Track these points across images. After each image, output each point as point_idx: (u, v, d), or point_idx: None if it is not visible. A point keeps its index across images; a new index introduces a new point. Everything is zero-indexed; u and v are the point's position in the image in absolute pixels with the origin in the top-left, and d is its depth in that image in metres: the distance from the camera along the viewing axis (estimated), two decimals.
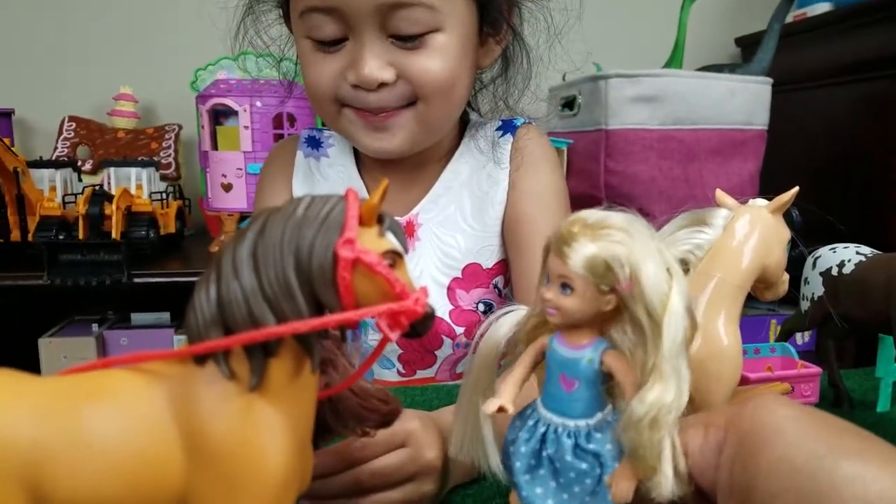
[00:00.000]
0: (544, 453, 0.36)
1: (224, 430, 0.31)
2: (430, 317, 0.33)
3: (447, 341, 0.84)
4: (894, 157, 1.46)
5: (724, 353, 0.48)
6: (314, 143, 0.90)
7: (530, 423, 0.36)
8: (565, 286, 0.34)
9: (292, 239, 0.31)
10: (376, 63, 0.71)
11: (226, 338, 0.31)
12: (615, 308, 0.34)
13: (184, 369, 0.32)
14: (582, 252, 0.33)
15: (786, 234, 0.52)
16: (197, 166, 1.61)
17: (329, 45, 0.73)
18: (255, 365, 0.31)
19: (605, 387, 0.36)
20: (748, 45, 1.87)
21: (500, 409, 0.35)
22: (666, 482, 0.32)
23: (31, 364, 1.44)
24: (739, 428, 0.31)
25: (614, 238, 0.33)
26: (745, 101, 1.47)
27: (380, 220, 0.33)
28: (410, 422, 0.50)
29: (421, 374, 0.88)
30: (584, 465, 0.35)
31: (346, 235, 0.31)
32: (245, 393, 0.31)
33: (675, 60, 1.57)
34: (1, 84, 1.78)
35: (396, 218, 0.84)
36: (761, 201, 0.52)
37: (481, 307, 0.85)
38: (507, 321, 0.41)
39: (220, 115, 1.45)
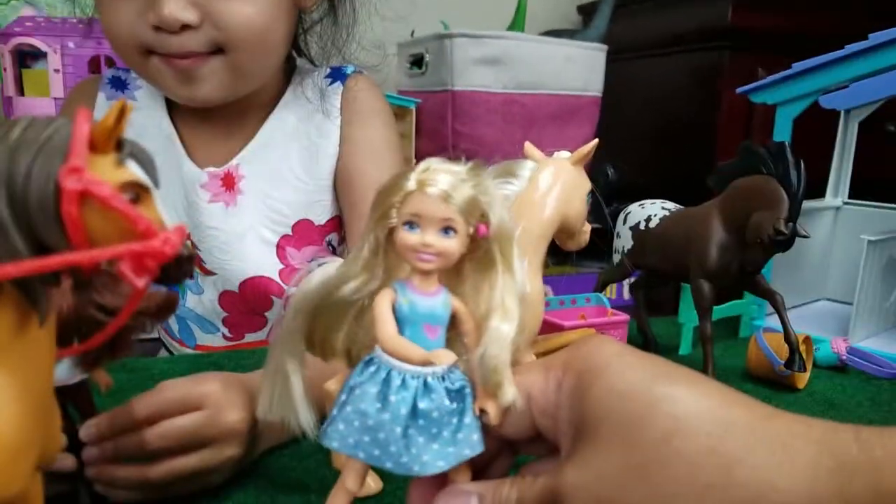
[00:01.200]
0: (418, 409, 0.34)
1: None
2: (185, 260, 0.29)
3: (277, 302, 0.81)
4: (715, 123, 1.56)
5: (526, 299, 0.48)
6: (119, 85, 0.82)
7: (396, 382, 0.34)
8: (448, 229, 0.33)
9: (3, 167, 0.26)
10: (177, 3, 0.65)
11: None
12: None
13: None
14: (464, 194, 0.33)
15: (586, 185, 0.53)
16: (0, 113, 1.45)
17: None
18: None
19: None
20: (589, 13, 1.92)
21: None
22: (510, 391, 0.34)
23: None
24: (575, 367, 0.34)
25: (481, 183, 0.34)
26: (582, 68, 1.51)
27: (119, 147, 0.29)
28: (208, 384, 0.47)
29: (250, 337, 0.84)
30: (454, 405, 0.34)
31: (71, 163, 0.26)
32: None
33: (517, 24, 1.59)
34: None
35: (213, 168, 0.79)
36: (565, 153, 0.53)
37: (314, 266, 0.81)
38: (319, 273, 0.39)
39: (26, 57, 1.31)
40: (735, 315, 0.85)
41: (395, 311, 0.35)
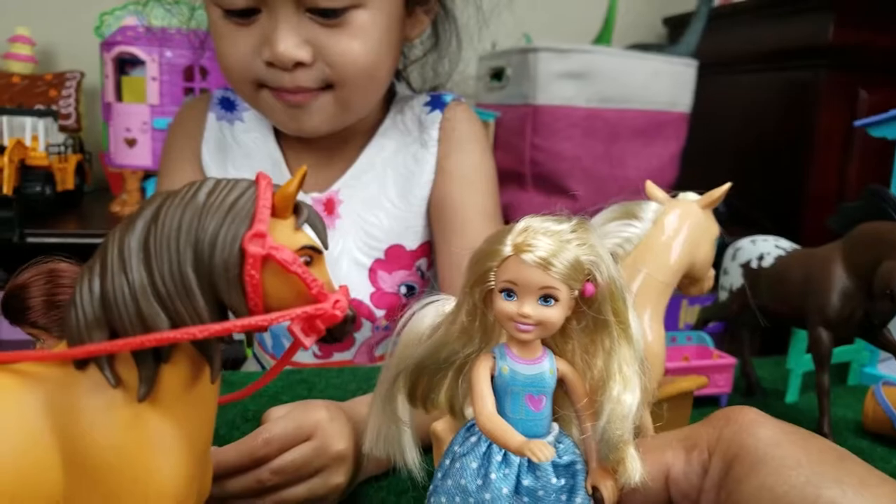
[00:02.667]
0: (521, 487, 0.32)
1: (108, 443, 0.27)
2: (349, 320, 0.30)
3: (367, 324, 0.81)
4: (810, 146, 1.50)
5: (650, 350, 0.47)
6: (228, 105, 0.84)
7: (497, 458, 0.32)
8: (548, 298, 0.31)
9: (192, 228, 0.27)
10: (292, 40, 0.65)
11: (110, 342, 0.27)
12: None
13: (64, 372, 0.28)
14: (566, 258, 0.30)
15: (715, 230, 0.51)
16: (99, 118, 1.50)
17: (240, 17, 0.67)
18: (144, 372, 0.27)
19: None
20: (676, 26, 1.88)
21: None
22: (636, 468, 0.31)
23: None
24: (724, 452, 0.31)
25: (585, 241, 0.31)
26: (670, 83, 1.47)
27: (296, 210, 0.29)
28: (317, 412, 0.47)
29: (338, 356, 0.85)
30: (562, 482, 0.32)
31: (256, 228, 0.27)
32: (133, 403, 0.27)
33: (604, 37, 1.56)
34: None
35: (316, 194, 0.80)
36: (692, 195, 0.51)
37: (403, 290, 0.82)
38: (430, 312, 0.38)
39: (126, 65, 1.35)
40: (844, 361, 0.81)
41: (494, 378, 0.33)
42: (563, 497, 0.32)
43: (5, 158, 1.20)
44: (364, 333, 0.82)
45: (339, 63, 0.68)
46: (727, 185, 0.50)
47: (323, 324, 0.28)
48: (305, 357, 0.85)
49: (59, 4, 1.67)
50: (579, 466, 0.32)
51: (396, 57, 0.76)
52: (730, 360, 0.70)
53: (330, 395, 0.68)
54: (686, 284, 0.51)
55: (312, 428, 0.46)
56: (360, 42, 0.68)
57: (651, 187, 0.51)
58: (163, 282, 0.27)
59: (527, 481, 0.32)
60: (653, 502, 0.33)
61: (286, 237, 0.28)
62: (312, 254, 0.29)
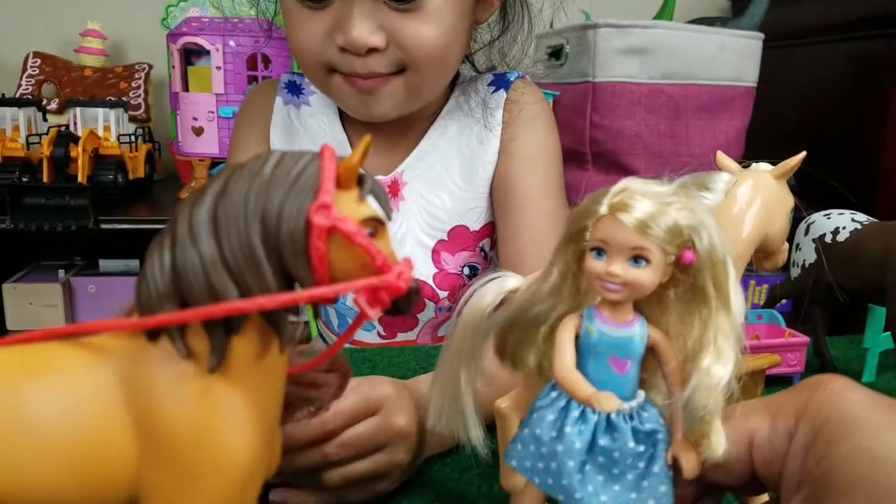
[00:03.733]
0: (597, 446, 0.32)
1: (179, 415, 0.28)
2: (414, 293, 0.29)
3: (430, 305, 0.81)
4: (883, 120, 1.43)
5: None
6: (294, 90, 0.85)
7: (575, 414, 0.32)
8: (638, 258, 0.30)
9: (259, 201, 0.27)
10: (366, 26, 0.66)
11: (181, 311, 0.27)
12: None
13: (135, 345, 0.29)
14: (666, 221, 0.30)
15: (789, 201, 0.49)
16: (167, 108, 1.54)
17: (314, 1, 0.68)
18: (215, 343, 0.28)
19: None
20: (739, 0, 1.82)
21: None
22: (721, 443, 0.31)
23: None
24: (813, 417, 0.30)
25: (685, 205, 0.31)
26: (735, 57, 1.43)
27: (360, 181, 0.29)
28: (383, 387, 0.47)
29: (402, 336, 0.86)
30: (641, 448, 0.32)
31: (321, 199, 0.27)
32: (204, 374, 0.28)
33: (665, 12, 1.52)
34: None
35: (381, 177, 0.81)
36: (765, 165, 0.49)
37: (466, 270, 0.82)
38: (492, 289, 0.38)
39: (191, 55, 1.38)
40: None
41: (579, 338, 0.33)
42: (641, 464, 0.32)
43: (79, 148, 1.24)
44: (427, 314, 0.83)
45: (412, 48, 0.68)
46: (802, 155, 0.48)
47: (387, 295, 0.28)
48: (369, 337, 0.86)
49: None
50: (661, 436, 0.32)
51: (467, 41, 0.76)
52: (802, 338, 0.68)
53: (391, 373, 0.69)
54: (759, 258, 0.49)
55: (379, 403, 0.46)
56: (433, 27, 0.68)
57: (722, 157, 0.49)
58: (232, 253, 0.27)
59: (603, 441, 0.31)
60: (735, 468, 0.32)
61: (350, 208, 0.28)
62: (376, 225, 0.29)
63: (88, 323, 0.29)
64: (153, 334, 0.28)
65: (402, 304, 0.29)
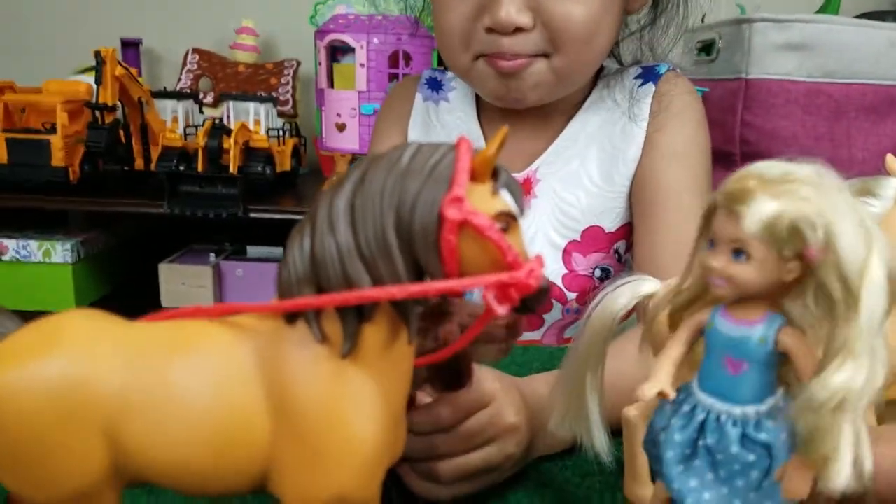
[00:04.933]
0: (701, 443, 0.31)
1: (312, 396, 0.29)
2: (544, 291, 0.29)
3: (557, 306, 0.79)
4: None
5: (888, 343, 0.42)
6: (435, 86, 0.86)
7: (685, 408, 0.32)
8: (739, 252, 0.28)
9: (394, 191, 0.28)
10: (514, 5, 0.65)
11: (317, 296, 0.28)
12: (796, 277, 0.29)
13: (274, 326, 0.30)
14: (762, 211, 0.27)
15: None
16: (313, 104, 1.60)
17: None
18: (348, 329, 0.28)
19: (778, 368, 0.31)
20: None
21: (661, 395, 0.31)
22: (841, 472, 0.27)
23: (151, 286, 1.51)
24: None
25: (801, 194, 0.27)
26: None
27: (494, 175, 0.29)
28: (493, 381, 0.46)
29: (527, 336, 0.84)
30: (751, 457, 0.30)
31: (454, 192, 0.27)
32: (336, 358, 0.29)
33: (831, 7, 1.42)
34: (130, 14, 1.83)
35: (515, 174, 0.80)
36: None
37: (598, 272, 0.79)
38: (625, 292, 0.37)
39: (337, 52, 1.43)
40: None
41: (705, 333, 0.32)
42: (755, 473, 0.30)
43: (231, 140, 1.32)
44: (554, 315, 0.81)
45: (559, 27, 0.67)
46: None
47: (517, 293, 0.28)
48: None
49: None
50: (776, 453, 0.30)
51: (617, 29, 0.74)
52: None
53: (513, 372, 0.68)
54: None
55: (490, 397, 0.46)
56: (582, 7, 0.67)
57: (892, 161, 0.45)
58: (367, 243, 0.28)
59: (709, 440, 0.31)
60: (890, 494, 0.30)
61: (483, 202, 0.28)
62: (509, 220, 0.28)
63: (234, 304, 0.31)
64: (291, 317, 0.29)
65: (532, 302, 0.29)
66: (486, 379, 0.46)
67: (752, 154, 1.32)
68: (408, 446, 0.44)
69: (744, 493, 0.30)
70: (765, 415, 0.30)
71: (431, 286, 0.27)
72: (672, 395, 0.31)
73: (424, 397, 0.44)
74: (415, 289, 0.27)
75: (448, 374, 0.41)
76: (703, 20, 1.50)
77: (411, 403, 0.38)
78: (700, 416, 0.31)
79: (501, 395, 0.46)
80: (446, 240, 0.27)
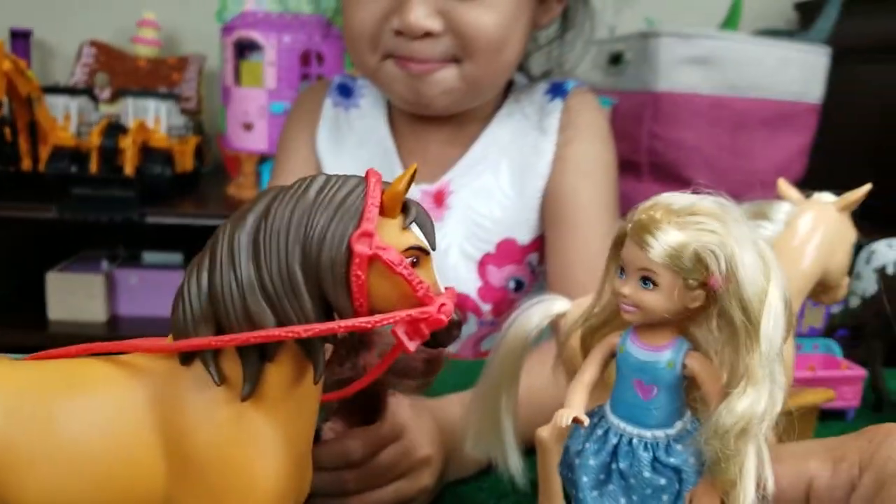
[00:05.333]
0: (615, 466, 0.31)
1: (209, 442, 0.27)
2: (455, 325, 0.28)
3: (473, 318, 0.79)
4: None
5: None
6: (345, 92, 0.84)
7: (599, 432, 0.32)
8: (647, 280, 0.29)
9: (301, 225, 0.26)
10: (424, 10, 0.65)
11: (215, 336, 0.26)
12: (701, 304, 0.30)
13: (170, 366, 0.28)
14: (668, 241, 0.28)
15: (852, 235, 0.47)
16: (218, 101, 1.55)
17: None
18: (249, 370, 0.27)
19: (686, 393, 0.32)
20: (808, 12, 1.76)
21: (576, 421, 0.31)
22: (745, 497, 0.28)
23: (38, 297, 1.42)
24: (879, 469, 0.29)
25: (706, 226, 0.29)
26: (801, 72, 1.38)
27: (404, 209, 0.28)
28: (405, 411, 0.45)
29: None
30: (662, 481, 0.30)
31: (363, 227, 0.26)
32: (236, 401, 0.27)
33: (731, 23, 1.48)
34: (20, 2, 1.71)
35: (426, 186, 0.79)
36: (828, 196, 0.47)
37: (512, 284, 0.80)
38: (537, 312, 0.37)
39: (245, 49, 1.38)
40: None
41: (616, 356, 0.32)
42: (665, 497, 0.30)
43: (129, 140, 1.25)
44: (469, 328, 0.81)
45: (468, 34, 0.67)
46: (867, 187, 0.46)
47: (427, 328, 0.27)
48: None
49: None
50: (686, 475, 0.30)
51: (525, 41, 0.74)
52: (859, 371, 0.65)
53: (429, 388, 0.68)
54: (818, 292, 0.47)
55: (401, 429, 0.44)
56: (492, 16, 0.67)
57: (784, 185, 0.47)
58: (270, 279, 0.26)
59: (621, 464, 0.31)
60: None
61: (393, 237, 0.27)
62: (419, 254, 0.27)
63: (123, 342, 0.29)
64: (187, 357, 0.27)
65: (443, 337, 0.28)
66: (399, 409, 0.45)
67: (660, 164, 1.37)
68: (316, 482, 0.42)
69: None
70: (674, 438, 0.31)
71: (339, 324, 0.26)
72: (586, 421, 0.31)
73: (329, 432, 0.42)
74: (322, 327, 0.26)
75: (361, 407, 0.39)
76: (611, 33, 1.54)
77: (317, 437, 0.36)
78: (613, 440, 0.31)
79: (413, 425, 0.45)
80: (356, 275, 0.26)
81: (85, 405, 0.27)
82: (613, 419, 0.32)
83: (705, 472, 0.30)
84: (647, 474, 0.30)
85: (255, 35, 1.33)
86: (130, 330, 1.37)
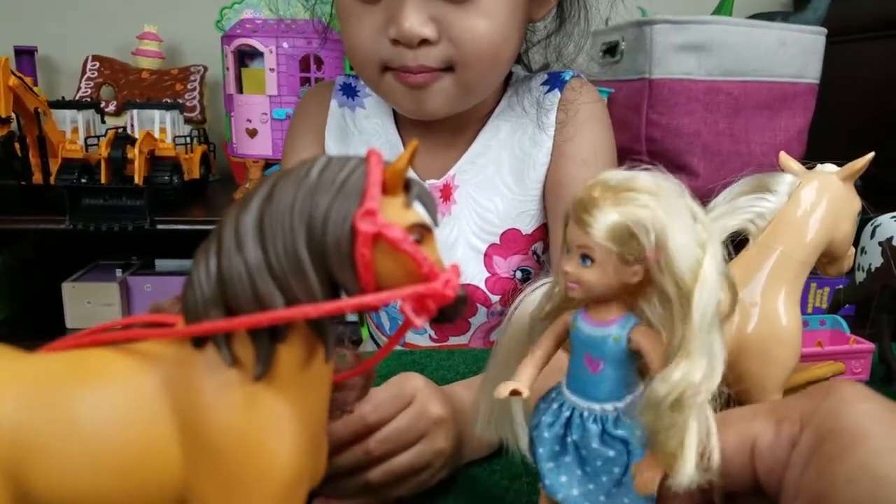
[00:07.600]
0: (569, 439, 0.32)
1: (224, 423, 0.27)
2: (461, 301, 0.29)
3: (482, 309, 0.80)
4: None
5: (783, 334, 0.44)
6: (350, 92, 0.85)
7: (554, 406, 0.33)
8: (585, 257, 0.30)
9: (304, 207, 0.27)
10: (418, 17, 0.65)
11: (227, 319, 0.27)
12: (644, 279, 0.30)
13: (181, 352, 0.28)
14: (603, 219, 0.29)
15: (856, 204, 0.47)
16: (222, 110, 1.56)
17: None
18: (260, 351, 0.27)
19: (636, 367, 0.32)
20: None
21: (514, 393, 0.32)
22: (684, 469, 0.28)
23: (55, 307, 1.44)
24: (817, 426, 0.28)
25: (640, 202, 0.29)
26: (797, 53, 1.38)
27: (406, 187, 0.28)
28: (413, 380, 0.47)
29: (454, 340, 0.85)
30: (611, 453, 0.31)
31: (366, 205, 0.26)
32: (249, 382, 0.28)
33: (724, 7, 1.48)
34: (24, 21, 1.74)
35: (433, 180, 0.81)
36: (830, 167, 0.47)
37: (519, 274, 0.81)
38: (541, 294, 0.37)
39: (245, 57, 1.40)
40: None
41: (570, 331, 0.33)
42: (616, 470, 0.31)
43: (136, 150, 1.27)
44: (479, 318, 0.82)
45: (464, 41, 0.67)
46: (870, 156, 0.46)
47: (434, 303, 0.28)
48: (421, 340, 0.86)
49: (182, 0, 1.75)
50: (633, 447, 0.31)
51: (520, 39, 0.75)
52: (867, 345, 0.65)
53: (440, 376, 0.68)
54: (824, 264, 0.47)
55: (411, 394, 0.46)
56: (487, 21, 0.67)
57: (785, 158, 0.47)
58: (277, 260, 0.27)
59: (574, 437, 0.32)
60: (737, 475, 0.30)
61: (396, 214, 0.27)
62: (423, 231, 0.28)
63: (135, 331, 0.29)
64: (199, 341, 0.28)
65: (449, 312, 0.29)
66: (406, 378, 0.46)
67: (659, 152, 1.37)
68: (338, 462, 0.43)
69: (607, 488, 0.31)
70: (623, 411, 0.31)
71: (347, 302, 0.27)
72: (526, 392, 0.32)
73: None
74: (330, 306, 0.26)
75: None
76: (606, 23, 1.54)
77: None
78: (566, 414, 0.32)
79: (423, 389, 0.46)
80: (361, 253, 0.26)
81: (100, 394, 0.28)
82: (567, 393, 0.33)
83: (651, 447, 0.30)
84: (595, 446, 0.31)
85: (255, 42, 1.34)
86: None
